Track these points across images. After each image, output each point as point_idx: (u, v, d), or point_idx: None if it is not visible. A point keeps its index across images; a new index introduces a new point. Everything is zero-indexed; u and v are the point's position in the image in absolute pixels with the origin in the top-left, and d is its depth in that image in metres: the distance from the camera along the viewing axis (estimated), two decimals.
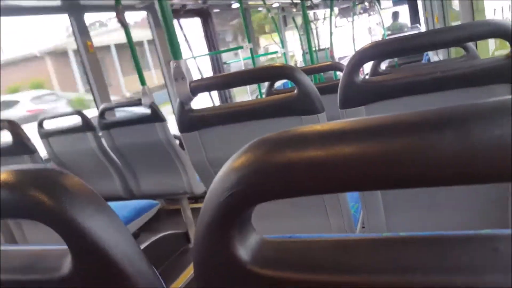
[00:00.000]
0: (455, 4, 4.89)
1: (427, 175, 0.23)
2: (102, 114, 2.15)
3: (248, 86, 4.81)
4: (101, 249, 0.33)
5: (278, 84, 2.99)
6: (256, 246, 0.31)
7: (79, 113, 2.13)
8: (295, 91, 1.05)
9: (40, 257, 0.39)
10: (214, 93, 4.50)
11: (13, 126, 1.54)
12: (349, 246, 0.29)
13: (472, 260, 0.25)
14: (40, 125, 2.25)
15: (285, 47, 5.52)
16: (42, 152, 2.16)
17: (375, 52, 0.97)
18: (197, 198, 3.16)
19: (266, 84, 2.17)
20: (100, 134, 2.19)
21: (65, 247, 0.35)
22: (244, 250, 0.30)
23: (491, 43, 3.56)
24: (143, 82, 2.21)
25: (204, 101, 4.04)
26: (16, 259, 0.39)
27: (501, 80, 0.89)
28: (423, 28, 8.06)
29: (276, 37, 5.63)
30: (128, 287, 0.34)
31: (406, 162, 0.23)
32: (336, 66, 2.10)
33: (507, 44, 0.87)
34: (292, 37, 7.59)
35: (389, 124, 0.24)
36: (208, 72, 4.65)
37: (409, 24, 9.00)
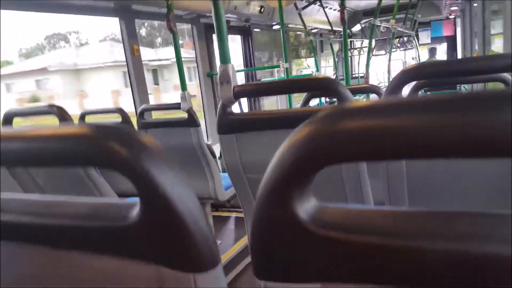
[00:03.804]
0: (496, 46, 4.86)
1: (477, 145, 0.25)
2: (141, 114, 2.26)
3: (278, 103, 4.90)
4: (169, 202, 0.35)
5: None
6: (314, 209, 0.34)
7: (120, 110, 2.25)
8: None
9: (107, 207, 0.42)
10: (245, 106, 4.63)
11: (61, 111, 1.65)
12: (401, 216, 0.31)
13: None
14: (82, 118, 2.38)
15: (319, 70, 5.61)
16: None
17: (419, 72, 0.98)
18: (217, 207, 3.22)
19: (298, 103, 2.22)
20: None
21: (133, 201, 0.38)
22: (304, 210, 0.33)
23: None
24: (184, 87, 2.32)
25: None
26: (83, 208, 0.42)
27: None
28: None
29: (308, 61, 5.69)
30: (189, 242, 0.37)
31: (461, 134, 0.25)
32: (373, 89, 2.13)
33: None
34: (323, 63, 7.69)
35: (446, 100, 0.26)
36: None
37: None
